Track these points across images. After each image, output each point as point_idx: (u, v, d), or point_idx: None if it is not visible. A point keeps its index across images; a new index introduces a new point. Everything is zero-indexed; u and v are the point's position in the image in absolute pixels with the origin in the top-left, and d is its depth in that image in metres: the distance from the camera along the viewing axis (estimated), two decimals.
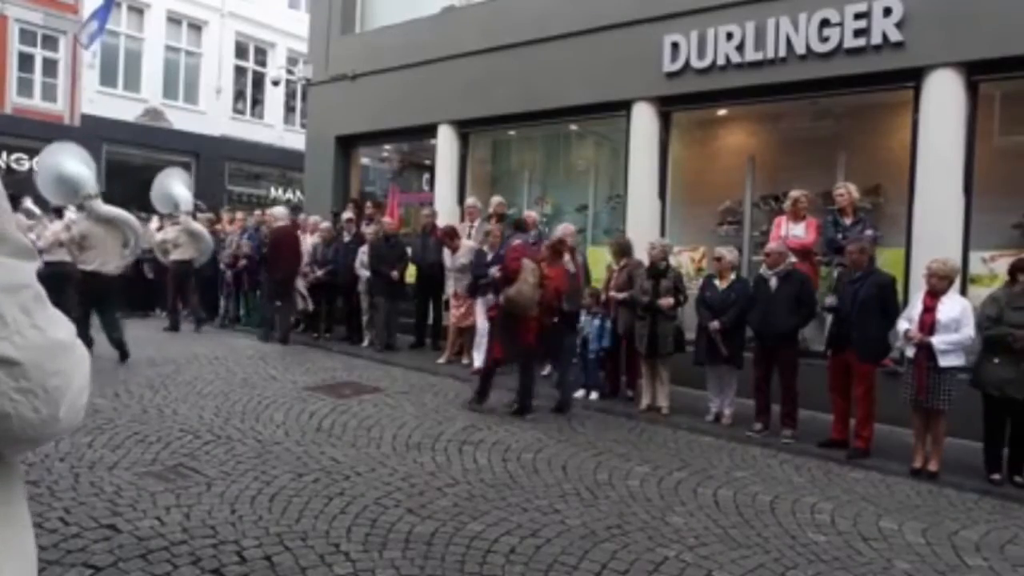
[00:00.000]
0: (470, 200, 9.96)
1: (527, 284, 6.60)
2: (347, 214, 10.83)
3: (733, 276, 6.80)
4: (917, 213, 7.07)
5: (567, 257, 7.83)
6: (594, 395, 7.50)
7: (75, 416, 0.90)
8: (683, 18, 8.40)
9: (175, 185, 10.72)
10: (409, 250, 9.86)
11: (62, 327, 0.88)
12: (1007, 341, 5.25)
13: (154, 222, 11.93)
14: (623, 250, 7.68)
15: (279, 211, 10.64)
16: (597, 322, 7.46)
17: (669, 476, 5.21)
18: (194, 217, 11.10)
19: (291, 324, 10.38)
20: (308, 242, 10.63)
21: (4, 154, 15.94)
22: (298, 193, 18.97)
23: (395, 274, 9.55)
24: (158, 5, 18.75)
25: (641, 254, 7.52)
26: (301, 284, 10.38)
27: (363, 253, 9.92)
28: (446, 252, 9.10)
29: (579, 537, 3.99)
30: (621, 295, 7.27)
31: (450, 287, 9.04)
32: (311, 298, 10.55)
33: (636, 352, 7.35)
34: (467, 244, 8.89)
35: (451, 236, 8.99)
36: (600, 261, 8.61)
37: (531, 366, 7.10)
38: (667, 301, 6.93)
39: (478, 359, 8.48)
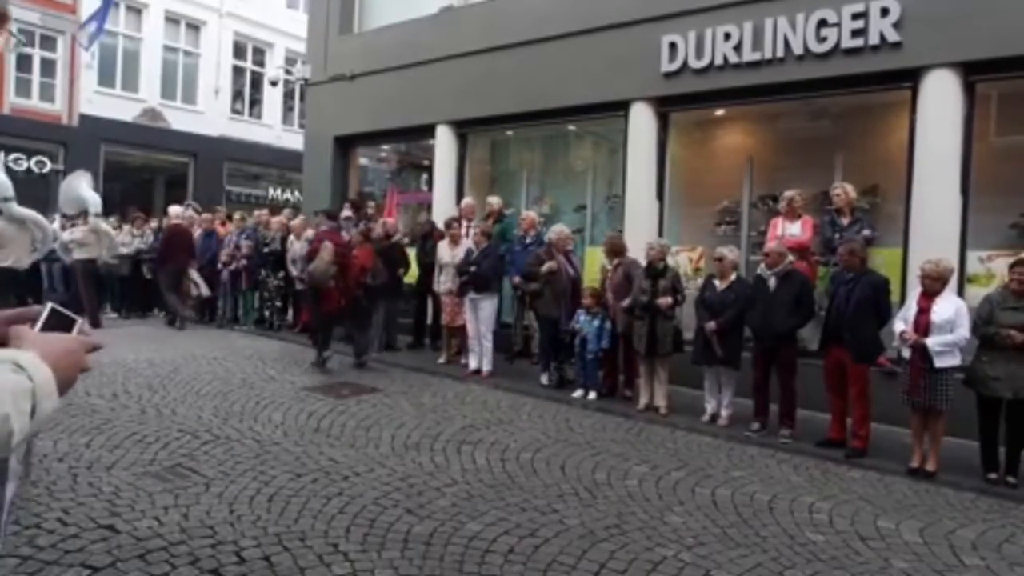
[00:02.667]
0: (467, 200, 9.97)
1: (322, 261, 7.99)
2: (345, 212, 10.83)
3: (734, 276, 6.81)
4: (914, 213, 7.08)
5: (563, 259, 7.87)
6: (592, 395, 7.50)
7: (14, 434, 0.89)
8: (681, 18, 8.41)
9: (82, 188, 10.91)
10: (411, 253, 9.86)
11: None
12: (993, 340, 5.28)
13: (56, 222, 12.09)
14: (616, 249, 7.70)
15: (175, 210, 11.77)
16: (596, 322, 7.46)
17: (667, 476, 5.22)
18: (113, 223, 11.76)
19: (192, 311, 11.54)
20: (296, 247, 10.63)
21: (2, 154, 15.93)
22: (296, 193, 18.96)
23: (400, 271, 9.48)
24: (156, 5, 18.74)
25: (639, 254, 7.52)
26: (195, 274, 11.37)
27: None
28: (444, 246, 9.08)
29: (577, 537, 4.00)
30: (626, 303, 7.29)
31: (444, 283, 9.00)
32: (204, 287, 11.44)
33: (634, 352, 7.37)
34: (464, 243, 8.89)
35: (448, 227, 9.05)
36: (598, 261, 8.62)
37: (360, 328, 8.59)
38: (665, 301, 6.94)
39: (473, 360, 8.50)
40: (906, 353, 5.64)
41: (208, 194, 17.73)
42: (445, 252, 9.01)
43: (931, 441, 5.57)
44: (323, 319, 8.46)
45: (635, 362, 7.57)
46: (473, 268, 8.31)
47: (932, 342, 5.41)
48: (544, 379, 8.02)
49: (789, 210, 7.45)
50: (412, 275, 10.12)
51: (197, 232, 12.10)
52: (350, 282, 8.26)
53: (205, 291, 11.49)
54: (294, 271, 10.60)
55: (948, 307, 5.48)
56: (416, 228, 10.18)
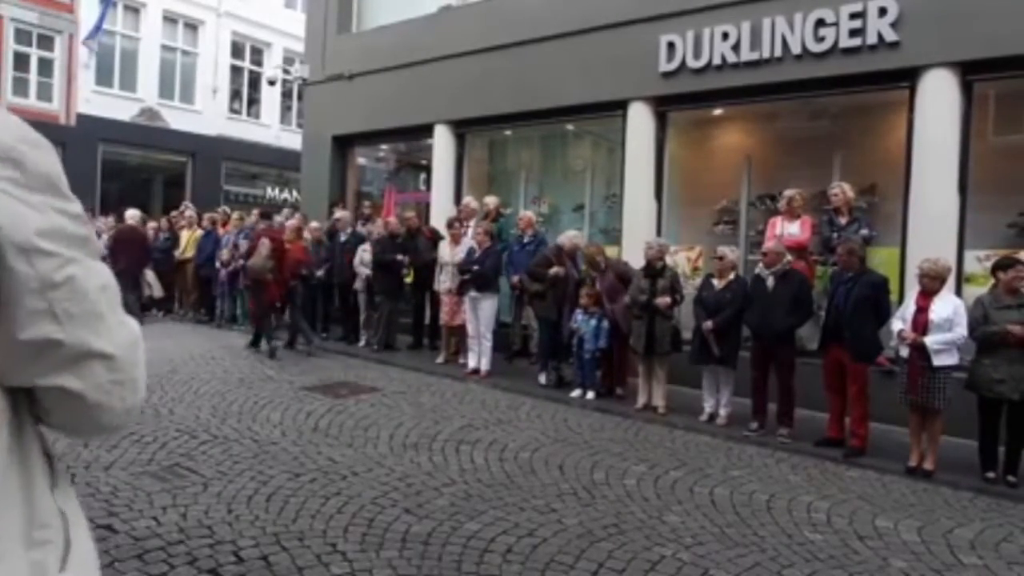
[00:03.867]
0: (466, 200, 9.97)
1: (260, 257, 8.97)
2: (339, 213, 10.83)
3: (732, 276, 6.81)
4: (912, 212, 7.09)
5: (569, 263, 7.86)
6: (590, 394, 7.50)
7: (141, 400, 0.95)
8: (679, 18, 8.41)
9: None
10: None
11: (135, 323, 0.95)
12: (994, 340, 5.29)
13: None
14: (595, 265, 7.62)
15: (130, 212, 11.91)
16: (594, 322, 7.45)
17: (666, 475, 5.22)
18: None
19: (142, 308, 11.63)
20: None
21: None
22: (295, 193, 18.95)
23: (403, 258, 9.50)
24: (154, 4, 18.70)
25: (638, 253, 7.52)
26: (150, 275, 11.74)
27: (364, 251, 9.90)
28: (445, 246, 9.09)
29: (576, 536, 4.00)
30: (625, 300, 7.29)
31: (444, 282, 9.01)
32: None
33: (629, 351, 7.37)
34: (465, 242, 8.89)
35: (450, 227, 9.06)
36: None
37: (294, 314, 9.58)
38: (664, 300, 6.94)
39: (472, 360, 8.50)
40: (904, 352, 5.65)
41: (206, 194, 17.72)
42: (446, 251, 9.01)
43: (929, 440, 5.58)
44: (265, 309, 9.36)
45: (628, 361, 7.56)
46: (476, 267, 8.32)
47: (931, 341, 5.41)
48: (542, 379, 8.02)
49: (788, 209, 7.46)
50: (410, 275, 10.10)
51: (159, 233, 12.71)
52: (286, 274, 9.23)
53: (158, 292, 11.94)
54: (316, 272, 10.33)
55: (946, 306, 5.49)
56: (403, 220, 10.15)
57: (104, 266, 0.90)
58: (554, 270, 7.80)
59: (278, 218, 11.54)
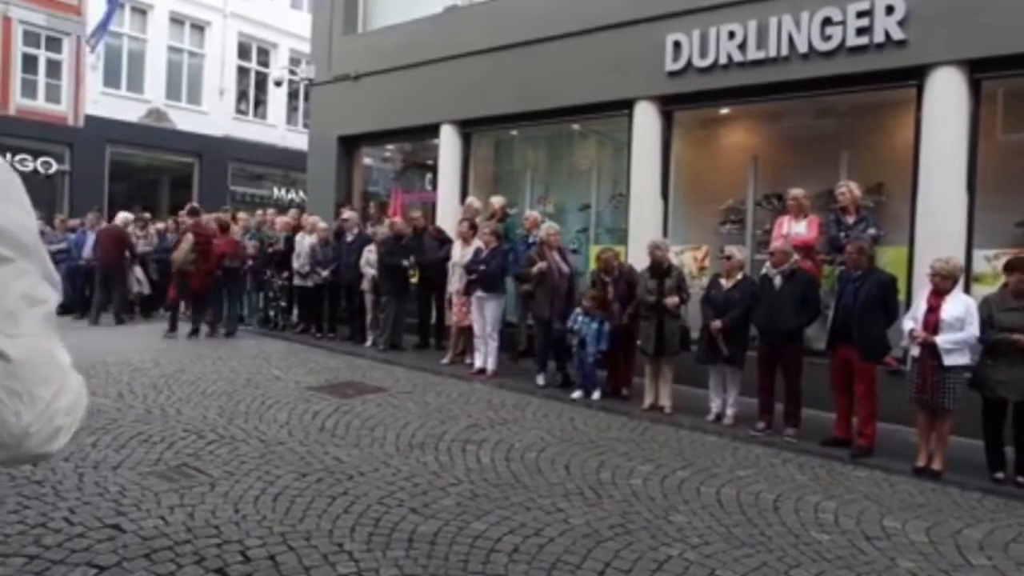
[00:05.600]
0: (469, 200, 9.96)
1: (182, 251, 10.18)
2: (346, 213, 10.84)
3: (740, 275, 6.78)
4: (920, 211, 7.05)
5: (557, 257, 7.87)
6: (596, 395, 7.47)
7: (47, 435, 0.88)
8: (685, 17, 8.39)
9: None
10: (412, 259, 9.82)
11: (64, 353, 0.92)
12: (994, 343, 5.27)
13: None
14: (609, 269, 7.59)
15: (120, 216, 12.54)
16: (595, 324, 7.39)
17: (672, 475, 5.21)
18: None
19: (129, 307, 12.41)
20: (306, 243, 10.65)
21: (8, 156, 16.00)
22: (301, 193, 19.00)
23: (410, 260, 9.50)
24: (161, 6, 18.79)
25: (643, 252, 7.50)
26: (139, 272, 12.25)
27: (369, 251, 9.91)
28: (456, 247, 9.11)
29: (582, 536, 3.99)
30: (629, 309, 7.31)
31: (454, 284, 9.04)
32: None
33: (633, 351, 7.34)
34: (473, 243, 8.90)
35: (462, 228, 9.07)
36: None
37: (219, 302, 10.75)
38: (673, 300, 6.92)
39: (479, 360, 8.50)
40: (915, 351, 5.62)
41: (213, 194, 17.79)
42: (457, 252, 9.03)
43: (937, 440, 5.55)
44: (191, 296, 10.67)
45: (633, 361, 7.54)
46: (483, 267, 8.33)
47: (942, 340, 5.39)
48: (540, 379, 7.98)
49: (794, 209, 7.42)
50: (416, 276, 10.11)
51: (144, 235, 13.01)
52: (210, 266, 10.34)
53: (146, 289, 12.44)
54: (321, 272, 10.42)
55: (958, 305, 5.46)
56: (410, 221, 10.18)
57: (51, 290, 0.90)
58: (537, 267, 7.80)
59: (206, 216, 11.86)
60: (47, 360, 0.88)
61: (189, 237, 10.25)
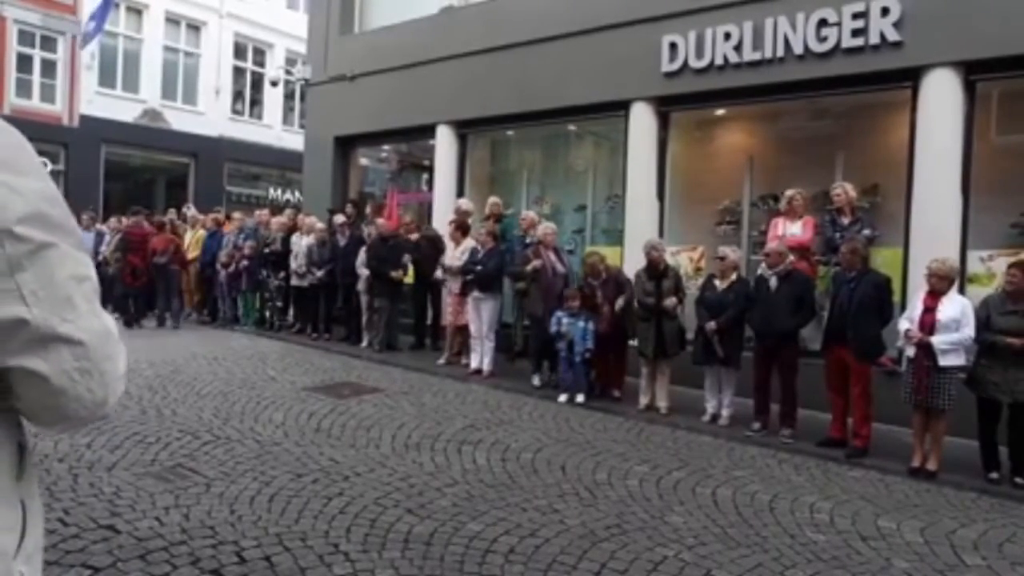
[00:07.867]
0: (459, 201, 9.92)
1: (110, 249, 11.43)
2: (340, 217, 10.76)
3: (735, 276, 6.79)
4: (915, 212, 7.08)
5: (552, 256, 7.88)
6: (580, 398, 7.33)
7: (114, 401, 0.97)
8: (681, 18, 8.40)
9: None
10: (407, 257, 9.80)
11: (112, 322, 0.97)
12: (990, 345, 5.29)
13: None
14: (596, 272, 7.56)
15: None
16: (581, 324, 7.32)
17: (668, 476, 5.21)
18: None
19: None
20: (303, 243, 10.64)
21: None
22: (297, 193, 18.96)
23: (397, 274, 9.51)
24: (156, 5, 18.73)
25: (639, 253, 7.51)
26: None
27: (364, 252, 9.90)
28: (449, 249, 9.10)
29: (578, 537, 3.99)
30: (619, 304, 7.31)
31: (447, 282, 9.03)
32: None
33: (626, 352, 7.33)
34: (466, 243, 8.90)
35: (461, 229, 9.07)
36: None
37: (165, 296, 11.61)
38: (671, 301, 6.93)
39: (475, 360, 8.50)
40: (910, 352, 5.64)
41: (209, 195, 17.73)
42: (449, 253, 9.02)
43: (932, 441, 5.56)
44: (128, 290, 11.60)
45: (625, 361, 7.53)
46: (479, 268, 8.32)
47: (938, 340, 5.40)
48: (535, 380, 7.98)
49: (790, 210, 7.44)
50: (410, 276, 10.09)
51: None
52: (139, 263, 11.32)
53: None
54: (315, 272, 10.38)
55: (954, 306, 5.49)
56: (404, 228, 10.22)
57: (86, 258, 0.93)
58: (531, 264, 7.80)
59: (159, 218, 12.42)
60: (107, 337, 0.94)
61: (118, 236, 11.44)
